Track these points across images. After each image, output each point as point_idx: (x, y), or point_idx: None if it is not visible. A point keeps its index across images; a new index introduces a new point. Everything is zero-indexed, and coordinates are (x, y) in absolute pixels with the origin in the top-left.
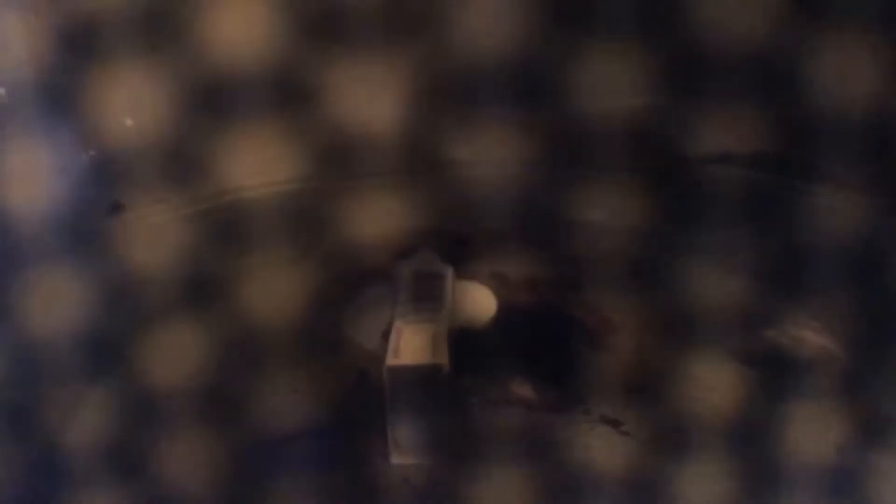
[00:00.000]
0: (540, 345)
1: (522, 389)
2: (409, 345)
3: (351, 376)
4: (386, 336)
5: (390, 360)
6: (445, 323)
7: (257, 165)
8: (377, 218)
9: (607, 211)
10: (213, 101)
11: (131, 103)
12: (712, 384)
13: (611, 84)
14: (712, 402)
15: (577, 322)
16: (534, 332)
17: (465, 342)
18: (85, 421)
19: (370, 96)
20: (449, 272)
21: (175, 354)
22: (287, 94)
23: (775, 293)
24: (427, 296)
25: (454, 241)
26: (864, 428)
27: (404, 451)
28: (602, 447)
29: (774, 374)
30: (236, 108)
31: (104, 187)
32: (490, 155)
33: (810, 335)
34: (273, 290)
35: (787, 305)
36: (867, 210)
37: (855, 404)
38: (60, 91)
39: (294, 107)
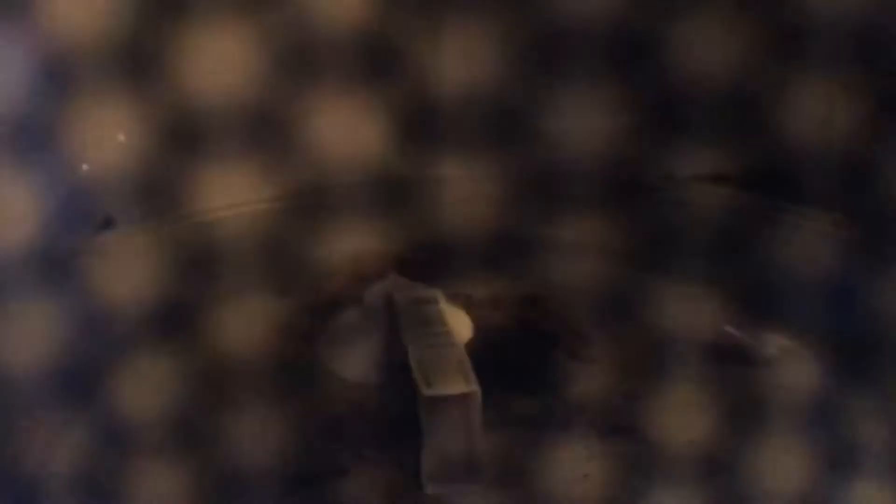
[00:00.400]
0: (523, 362)
1: (525, 408)
2: (438, 373)
3: (327, 407)
4: (369, 365)
5: (426, 391)
6: (462, 347)
7: (229, 189)
8: (346, 242)
9: (574, 230)
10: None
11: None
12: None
13: (584, 105)
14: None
15: (552, 337)
16: (514, 350)
17: None
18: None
19: (346, 126)
20: (440, 296)
21: (146, 384)
22: (263, 121)
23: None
24: (429, 321)
25: (421, 264)
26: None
27: (440, 481)
28: (622, 456)
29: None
30: (213, 136)
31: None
32: (460, 174)
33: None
34: (243, 317)
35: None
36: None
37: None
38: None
39: (270, 133)
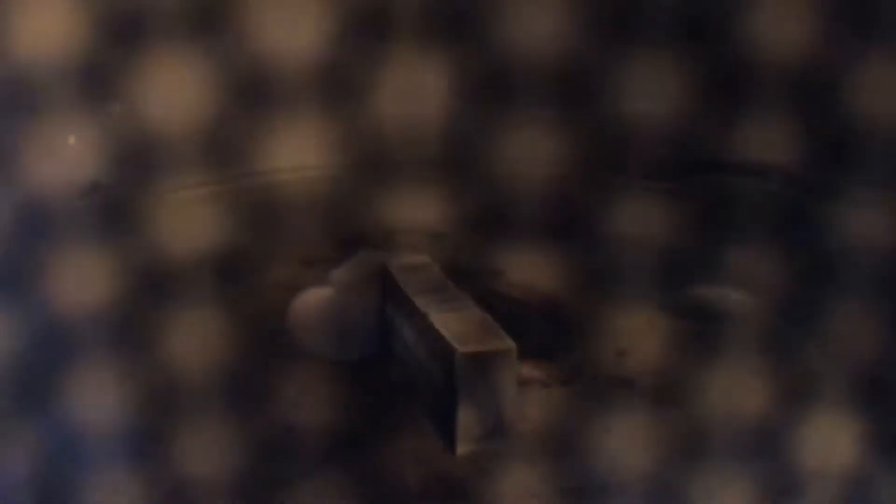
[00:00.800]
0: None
1: (527, 370)
2: (469, 332)
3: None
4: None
5: (461, 349)
6: (479, 308)
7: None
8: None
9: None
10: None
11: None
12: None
13: (649, 88)
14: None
15: (517, 301)
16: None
17: None
18: None
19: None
20: (434, 263)
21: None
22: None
23: None
24: (438, 286)
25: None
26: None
27: (473, 439)
28: (633, 407)
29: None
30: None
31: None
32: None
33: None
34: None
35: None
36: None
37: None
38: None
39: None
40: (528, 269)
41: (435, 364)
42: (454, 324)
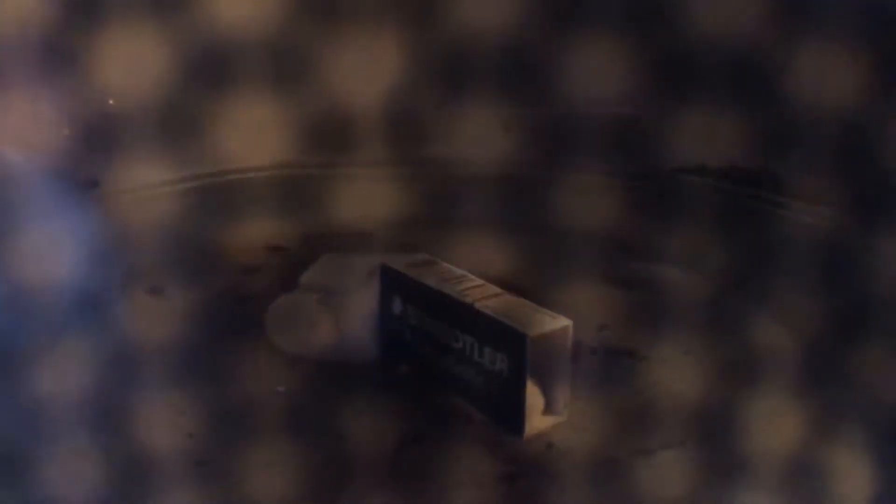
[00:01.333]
0: None
1: None
2: (522, 315)
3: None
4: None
5: (529, 332)
6: (512, 293)
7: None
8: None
9: None
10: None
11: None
12: None
13: (598, 89)
14: None
15: None
16: None
17: None
18: None
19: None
20: (438, 259)
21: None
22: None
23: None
24: (459, 277)
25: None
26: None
27: (539, 418)
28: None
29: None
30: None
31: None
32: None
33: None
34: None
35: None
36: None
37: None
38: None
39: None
40: (475, 257)
41: (491, 351)
42: (503, 309)
